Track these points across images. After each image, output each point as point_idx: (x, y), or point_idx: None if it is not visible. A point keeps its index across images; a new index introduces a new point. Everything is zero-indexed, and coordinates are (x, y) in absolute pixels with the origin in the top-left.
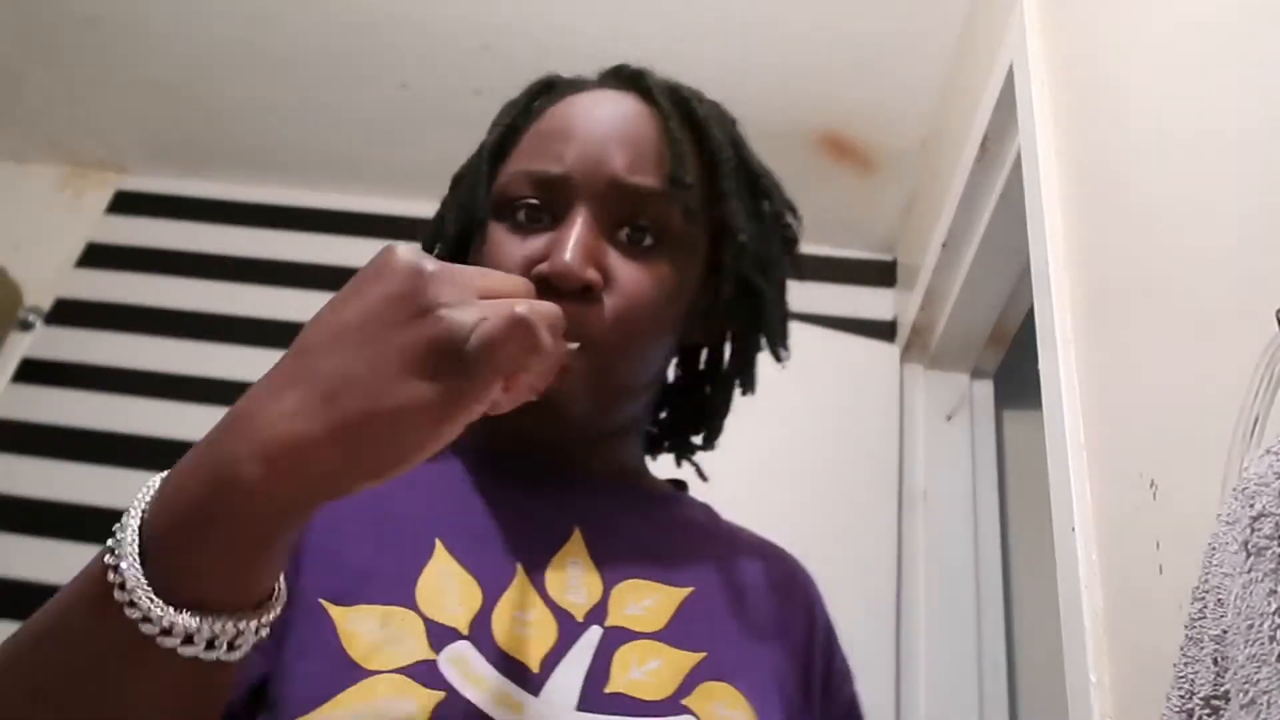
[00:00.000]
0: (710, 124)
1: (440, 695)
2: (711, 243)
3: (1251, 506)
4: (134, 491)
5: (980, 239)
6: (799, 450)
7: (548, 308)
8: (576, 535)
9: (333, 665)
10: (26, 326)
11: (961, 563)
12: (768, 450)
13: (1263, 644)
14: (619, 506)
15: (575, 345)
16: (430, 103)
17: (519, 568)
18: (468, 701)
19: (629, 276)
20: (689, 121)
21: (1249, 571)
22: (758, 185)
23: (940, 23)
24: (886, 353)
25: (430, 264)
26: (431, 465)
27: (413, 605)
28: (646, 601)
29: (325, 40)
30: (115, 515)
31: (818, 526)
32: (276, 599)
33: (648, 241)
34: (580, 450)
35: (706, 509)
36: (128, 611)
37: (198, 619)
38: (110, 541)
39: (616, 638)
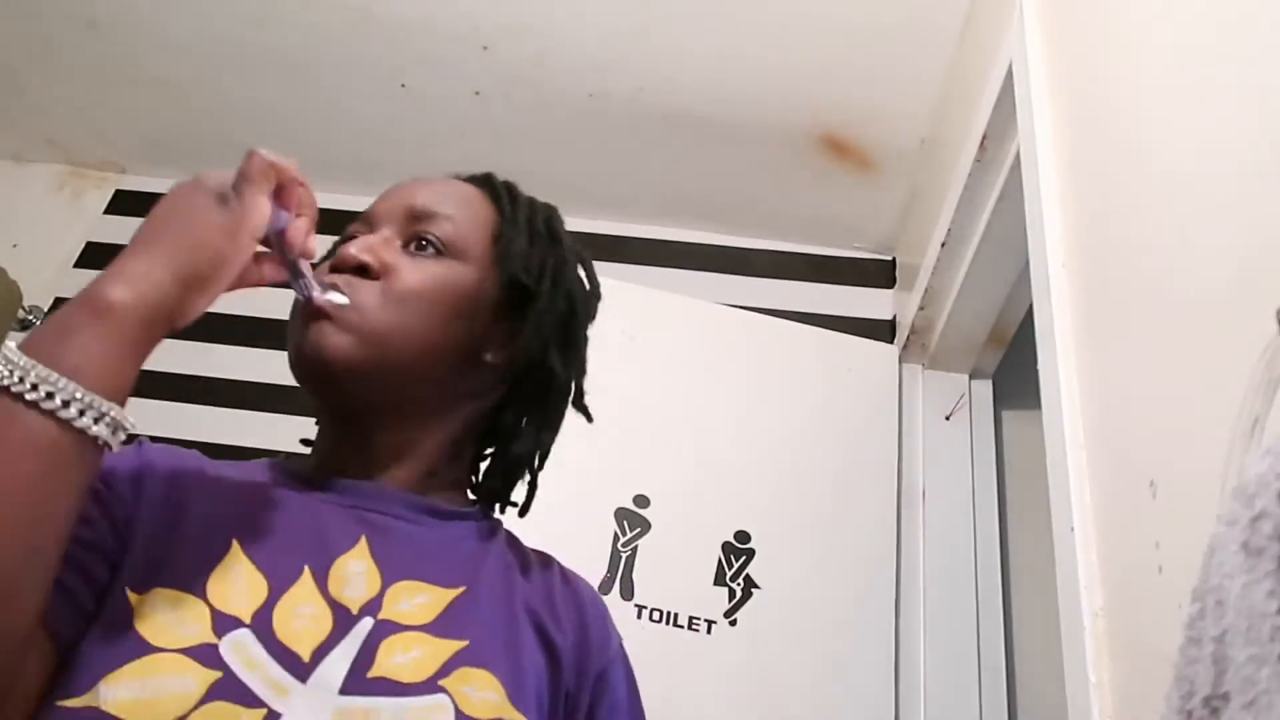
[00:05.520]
0: (520, 199)
1: (217, 674)
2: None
3: (1251, 507)
4: None
5: (979, 239)
6: (798, 450)
7: (279, 159)
8: (363, 541)
9: (123, 640)
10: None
11: (961, 562)
12: (767, 449)
13: (1263, 644)
14: (405, 518)
15: (344, 300)
16: (430, 103)
17: (306, 568)
18: (242, 683)
19: (407, 267)
20: (511, 208)
21: (1249, 572)
22: (566, 254)
23: (940, 23)
24: (886, 353)
25: (207, 176)
26: (241, 478)
27: (203, 595)
28: (420, 599)
29: (325, 40)
30: None
31: (817, 526)
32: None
33: (430, 251)
34: (370, 462)
35: (499, 527)
36: (13, 387)
37: (73, 384)
38: None
39: (386, 629)
